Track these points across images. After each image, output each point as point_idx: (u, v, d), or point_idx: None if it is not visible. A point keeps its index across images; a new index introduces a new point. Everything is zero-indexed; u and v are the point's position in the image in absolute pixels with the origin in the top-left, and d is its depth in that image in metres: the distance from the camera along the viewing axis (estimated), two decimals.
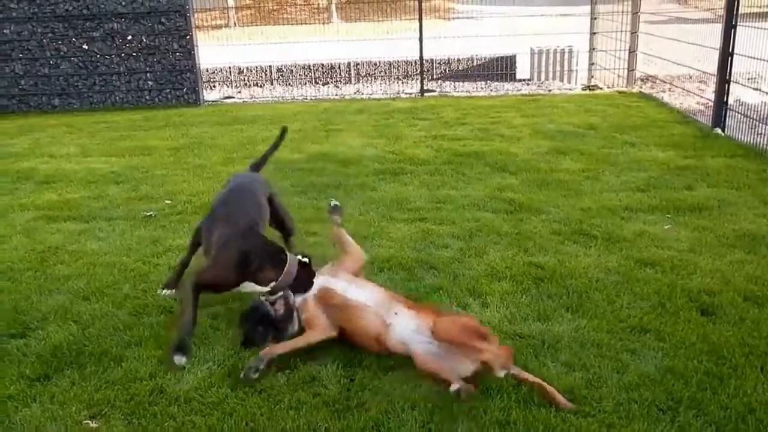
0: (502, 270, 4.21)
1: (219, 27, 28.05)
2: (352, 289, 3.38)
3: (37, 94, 11.82)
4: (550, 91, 12.45)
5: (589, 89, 12.22)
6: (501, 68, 14.04)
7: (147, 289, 4.07)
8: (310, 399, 2.91)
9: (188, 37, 11.53)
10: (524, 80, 13.87)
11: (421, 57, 12.16)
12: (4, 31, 11.53)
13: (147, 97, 11.79)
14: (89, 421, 2.81)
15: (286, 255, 3.37)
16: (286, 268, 3.30)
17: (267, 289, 3.30)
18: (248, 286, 3.32)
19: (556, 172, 6.43)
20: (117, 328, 3.60)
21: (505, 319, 3.60)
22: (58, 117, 10.95)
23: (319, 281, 3.43)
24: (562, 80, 13.53)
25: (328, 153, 7.50)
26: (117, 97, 11.82)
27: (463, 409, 2.82)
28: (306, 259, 3.42)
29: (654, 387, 2.97)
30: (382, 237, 4.84)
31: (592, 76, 13.04)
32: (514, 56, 14.16)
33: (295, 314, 3.36)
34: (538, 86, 13.13)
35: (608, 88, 12.10)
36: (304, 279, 3.35)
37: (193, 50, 11.61)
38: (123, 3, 11.43)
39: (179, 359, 3.14)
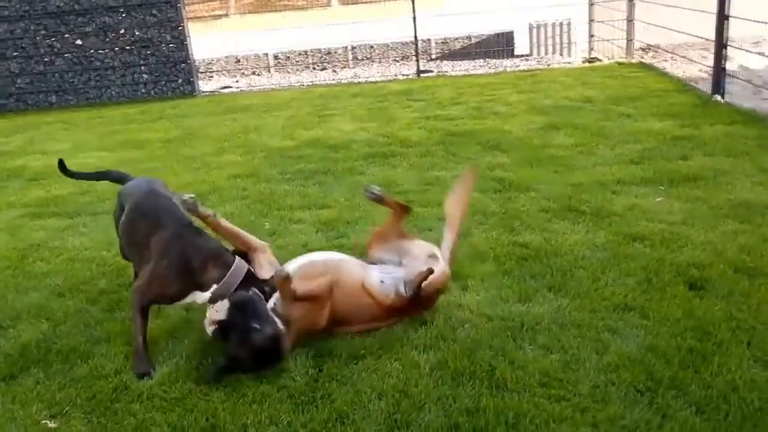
0: (485, 251, 4.10)
1: (218, 17, 27.95)
2: (328, 254, 3.44)
3: (34, 92, 11.80)
4: (549, 65, 12.23)
5: (589, 62, 11.98)
6: (499, 45, 13.83)
7: (123, 284, 4.00)
8: (275, 392, 2.82)
9: (180, 28, 11.44)
10: (523, 56, 13.65)
11: (416, 37, 11.98)
12: None
13: (143, 90, 11.74)
14: (47, 421, 2.74)
15: (232, 256, 3.16)
16: (231, 269, 3.05)
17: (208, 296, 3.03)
18: (195, 296, 3.07)
19: (548, 148, 6.28)
20: (88, 324, 3.53)
21: (485, 302, 3.48)
22: (55, 114, 10.92)
23: (297, 260, 3.32)
24: (561, 54, 13.30)
25: (319, 138, 7.39)
26: (113, 92, 11.77)
27: (432, 397, 2.72)
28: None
29: (634, 367, 2.85)
30: (367, 221, 4.73)
31: (592, 49, 12.80)
32: (512, 32, 13.94)
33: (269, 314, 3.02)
34: (538, 61, 12.92)
35: (608, 59, 11.86)
36: (251, 278, 3.10)
37: (186, 41, 11.52)
38: None
39: (146, 377, 3.00)
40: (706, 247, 3.96)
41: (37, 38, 11.52)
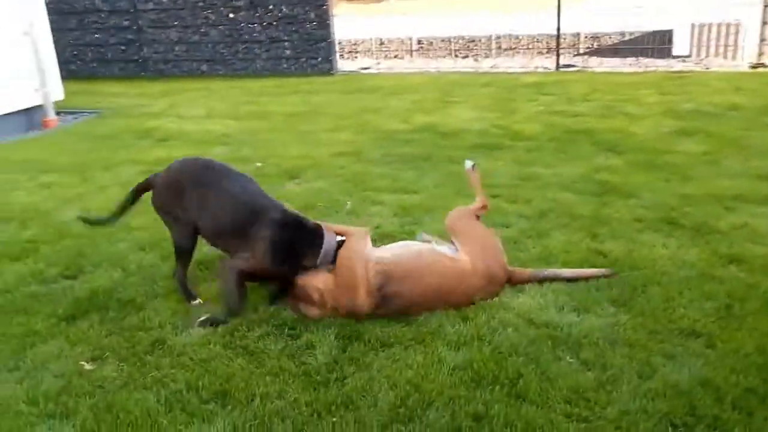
0: (557, 254, 3.86)
1: (378, 1, 28.46)
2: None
3: (188, 60, 12.63)
4: (708, 68, 11.30)
5: (754, 67, 10.93)
6: (655, 43, 12.97)
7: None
8: (293, 367, 2.83)
9: (324, 7, 11.73)
10: (681, 57, 12.72)
11: (558, 30, 11.53)
12: (162, 0, 12.37)
13: (284, 66, 12.20)
14: (85, 363, 2.92)
15: (322, 234, 3.31)
16: (323, 250, 3.27)
17: None
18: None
19: (669, 154, 5.81)
20: (153, 278, 3.74)
21: (536, 307, 3.28)
22: (201, 81, 11.64)
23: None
24: (725, 57, 12.25)
25: (434, 124, 7.31)
26: (257, 65, 12.33)
27: (444, 396, 2.61)
28: (343, 237, 3.36)
29: (676, 399, 2.57)
30: (447, 211, 4.60)
31: (762, 53, 11.64)
32: (671, 31, 13.02)
33: None
34: (696, 63, 12.00)
35: None
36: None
37: (329, 20, 11.80)
38: None
39: (199, 328, 3.17)
40: None
41: (196, 10, 12.28)
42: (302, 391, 2.68)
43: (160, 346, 3.05)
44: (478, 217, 3.82)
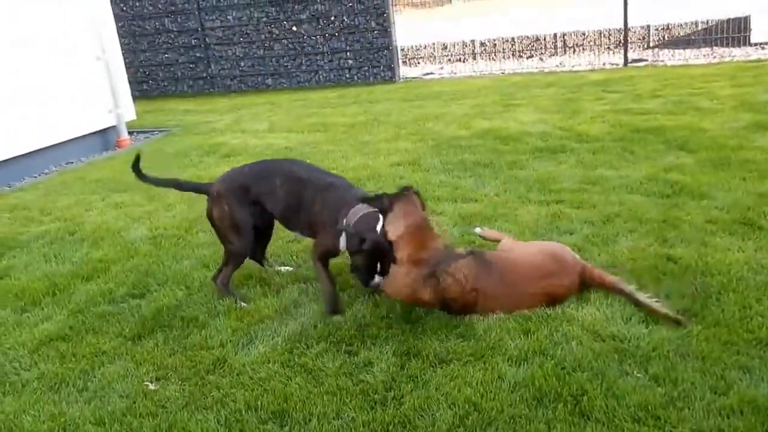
0: (624, 261, 3.71)
1: (441, 3, 28.36)
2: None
3: (254, 75, 12.88)
4: None
5: None
6: (732, 31, 12.39)
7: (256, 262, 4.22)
8: (351, 385, 2.81)
9: (385, 15, 11.76)
10: (761, 44, 12.10)
11: (625, 24, 11.18)
12: (228, 17, 12.69)
13: (347, 75, 12.28)
14: (149, 383, 2.98)
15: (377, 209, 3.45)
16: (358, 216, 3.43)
17: None
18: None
19: (745, 150, 5.52)
20: (215, 296, 3.79)
21: (602, 319, 3.15)
22: (267, 95, 11.85)
23: None
24: None
25: (494, 129, 7.19)
26: (321, 76, 12.46)
27: (504, 416, 2.53)
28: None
29: (754, 416, 2.42)
30: (508, 219, 4.52)
31: None
32: (749, 17, 12.40)
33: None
34: None
35: None
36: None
37: (390, 28, 11.82)
38: None
39: (338, 319, 3.35)
40: None
41: (260, 25, 12.53)
42: (359, 410, 2.65)
43: (221, 365, 3.09)
44: None
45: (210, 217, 3.80)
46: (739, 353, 2.81)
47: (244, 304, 3.62)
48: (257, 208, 3.73)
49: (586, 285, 3.38)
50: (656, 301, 3.17)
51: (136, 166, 3.97)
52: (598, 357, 2.85)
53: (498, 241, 3.85)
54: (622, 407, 2.53)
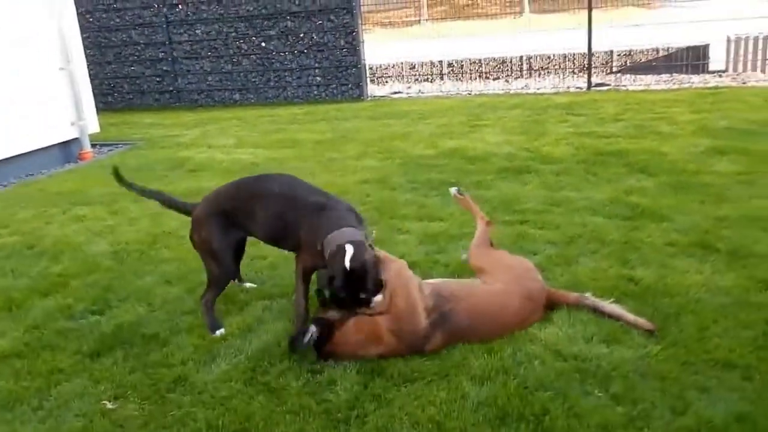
0: (585, 282, 3.76)
1: (410, 23, 28.63)
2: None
3: (221, 89, 12.83)
4: (744, 83, 11.06)
5: None
6: (691, 59, 12.75)
7: None
8: (314, 405, 2.79)
9: (354, 33, 11.83)
10: (718, 72, 12.48)
11: (589, 49, 11.41)
12: (196, 31, 12.64)
13: (315, 93, 12.30)
14: (107, 402, 2.92)
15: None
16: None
17: None
18: None
19: (703, 175, 5.66)
20: (177, 313, 3.74)
21: (564, 339, 3.19)
22: (233, 111, 11.80)
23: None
24: (763, 71, 11.98)
25: (460, 149, 7.27)
26: (289, 93, 12.46)
27: None
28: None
29: None
30: (472, 238, 4.54)
31: None
32: (707, 45, 12.80)
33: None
34: (733, 78, 11.74)
35: None
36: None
37: (359, 46, 11.89)
38: (297, 2, 12.00)
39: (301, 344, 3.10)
40: None
41: (228, 40, 12.49)
42: (322, 429, 2.64)
43: (182, 383, 3.04)
44: (491, 242, 3.84)
45: (191, 240, 3.70)
46: (697, 373, 2.87)
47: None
48: (239, 232, 3.59)
49: (550, 307, 3.43)
50: (622, 308, 3.29)
51: (117, 175, 3.98)
52: (560, 376, 2.88)
53: (470, 211, 4.03)
54: (583, 427, 2.56)
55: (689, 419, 2.57)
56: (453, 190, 4.18)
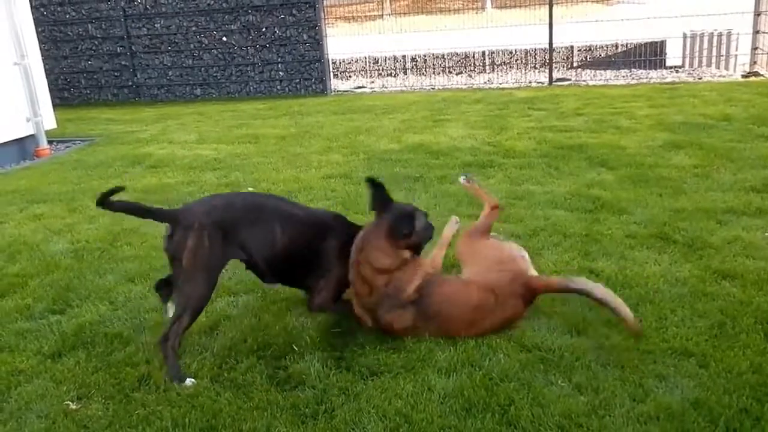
0: (549, 274, 3.81)
1: (373, 18, 28.57)
2: None
3: (182, 84, 12.66)
4: (700, 78, 11.33)
5: (747, 77, 10.96)
6: (649, 54, 12.99)
7: None
8: (282, 400, 2.78)
9: (317, 27, 11.78)
10: (674, 67, 12.75)
11: (550, 45, 11.56)
12: (156, 25, 12.44)
13: (278, 87, 12.22)
14: (70, 402, 2.87)
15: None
16: None
17: None
18: None
19: (660, 168, 5.79)
20: (141, 311, 3.69)
21: (528, 330, 3.24)
22: (195, 106, 11.65)
23: None
24: (718, 67, 12.29)
25: (425, 144, 7.30)
26: (251, 87, 12.36)
27: (434, 426, 2.56)
28: None
29: (669, 422, 2.53)
30: (438, 233, 4.57)
31: (755, 62, 11.71)
32: (664, 41, 13.05)
33: None
34: (689, 74, 12.02)
35: None
36: None
37: (322, 41, 11.84)
38: None
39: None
40: None
41: (189, 34, 12.33)
42: (290, 425, 2.64)
43: (147, 382, 3.01)
44: (489, 228, 3.79)
45: (178, 248, 3.11)
46: (656, 362, 2.94)
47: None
48: (238, 252, 3.26)
49: (532, 297, 3.36)
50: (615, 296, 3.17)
51: (106, 196, 3.23)
52: (524, 367, 2.93)
53: (480, 198, 4.01)
54: (547, 416, 2.60)
55: (648, 406, 2.63)
56: (462, 178, 4.08)
